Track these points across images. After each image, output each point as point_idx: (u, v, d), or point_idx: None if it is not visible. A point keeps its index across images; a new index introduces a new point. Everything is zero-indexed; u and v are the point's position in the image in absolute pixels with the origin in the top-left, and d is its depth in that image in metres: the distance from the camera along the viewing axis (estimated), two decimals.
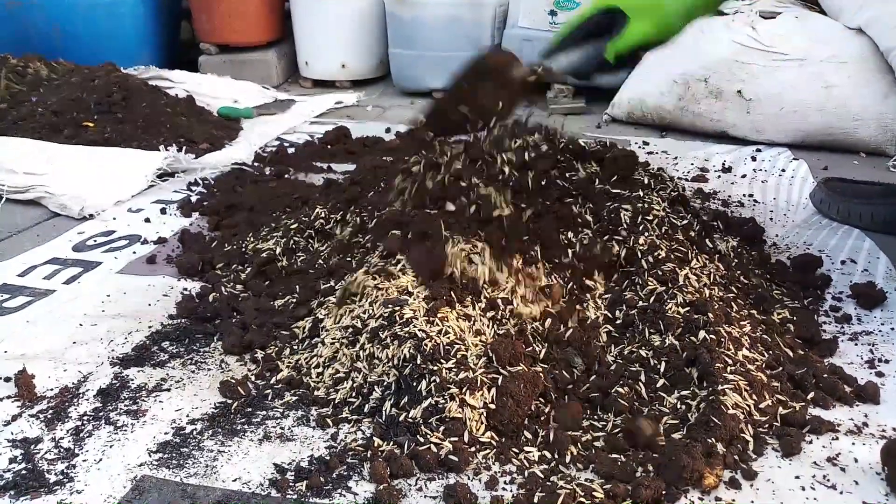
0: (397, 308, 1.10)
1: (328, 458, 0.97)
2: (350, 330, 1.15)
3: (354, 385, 1.08)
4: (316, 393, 1.10)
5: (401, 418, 1.00)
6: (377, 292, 1.17)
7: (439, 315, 1.09)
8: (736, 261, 1.40)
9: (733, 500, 0.90)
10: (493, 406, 1.00)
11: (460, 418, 0.98)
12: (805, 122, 2.29)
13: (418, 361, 1.02)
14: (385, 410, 1.02)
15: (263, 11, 3.17)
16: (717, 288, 1.24)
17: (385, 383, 1.05)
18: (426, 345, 1.04)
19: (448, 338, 1.06)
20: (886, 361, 1.19)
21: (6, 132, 2.13)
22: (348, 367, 1.11)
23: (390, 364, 1.05)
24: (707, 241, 1.38)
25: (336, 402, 1.07)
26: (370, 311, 1.14)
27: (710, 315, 1.12)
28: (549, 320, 1.16)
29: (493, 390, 1.02)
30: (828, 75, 2.28)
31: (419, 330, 1.06)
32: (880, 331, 1.28)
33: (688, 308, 1.15)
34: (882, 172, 2.13)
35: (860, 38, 2.36)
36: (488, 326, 1.14)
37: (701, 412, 1.00)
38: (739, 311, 1.22)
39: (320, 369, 1.13)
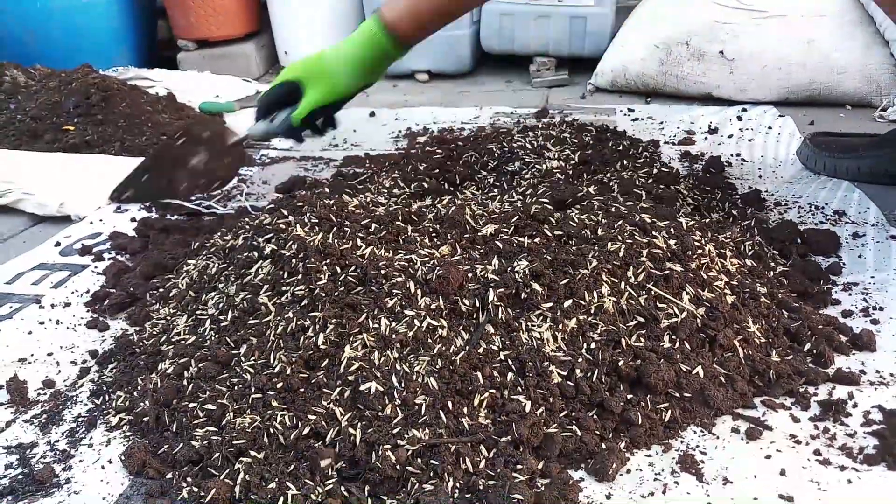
0: None
1: None
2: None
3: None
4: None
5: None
6: None
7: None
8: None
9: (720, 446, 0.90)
10: None
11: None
12: (789, 79, 2.28)
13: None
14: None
15: (239, 4, 3.14)
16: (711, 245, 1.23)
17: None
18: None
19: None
20: (881, 309, 1.19)
21: None
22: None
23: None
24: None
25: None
26: None
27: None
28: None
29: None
30: (809, 30, 2.27)
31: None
32: (873, 279, 1.27)
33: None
34: (868, 123, 2.12)
35: None
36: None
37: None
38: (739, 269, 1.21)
39: None
